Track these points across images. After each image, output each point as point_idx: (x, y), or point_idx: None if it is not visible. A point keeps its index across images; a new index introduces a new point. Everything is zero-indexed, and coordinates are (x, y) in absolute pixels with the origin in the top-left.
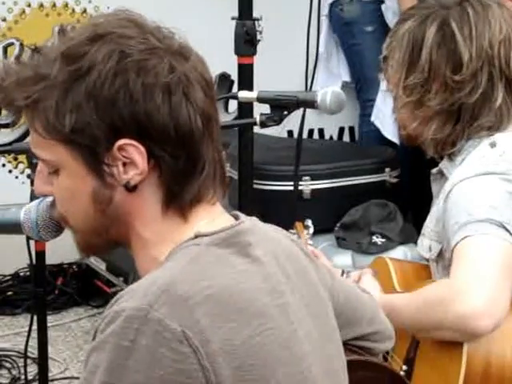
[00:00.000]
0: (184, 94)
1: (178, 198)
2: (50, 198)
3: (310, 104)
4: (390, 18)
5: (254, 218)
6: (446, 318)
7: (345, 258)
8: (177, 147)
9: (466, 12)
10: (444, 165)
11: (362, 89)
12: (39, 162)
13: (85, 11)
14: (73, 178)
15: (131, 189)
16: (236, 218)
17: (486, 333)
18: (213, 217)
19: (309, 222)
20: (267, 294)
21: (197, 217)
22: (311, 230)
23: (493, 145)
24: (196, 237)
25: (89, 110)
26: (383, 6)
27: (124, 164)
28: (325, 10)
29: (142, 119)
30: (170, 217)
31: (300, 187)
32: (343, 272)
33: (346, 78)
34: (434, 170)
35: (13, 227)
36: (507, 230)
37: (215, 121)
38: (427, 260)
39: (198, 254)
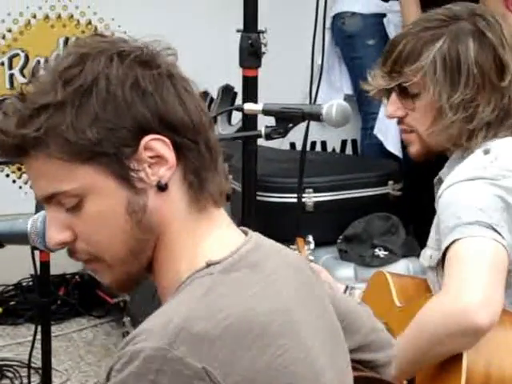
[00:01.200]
0: (182, 84)
1: (207, 185)
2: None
3: (316, 117)
4: (392, 32)
5: (258, 234)
6: (443, 322)
7: (347, 270)
8: (195, 134)
9: (488, 21)
10: (443, 173)
11: (363, 102)
12: (48, 209)
13: (90, 23)
14: (103, 199)
15: (164, 187)
16: (245, 233)
17: (484, 327)
18: (223, 229)
19: (310, 238)
20: (282, 313)
21: (219, 215)
22: (312, 246)
23: (486, 152)
24: (208, 265)
25: (107, 116)
26: (385, 20)
27: (149, 165)
28: (327, 23)
29: (161, 111)
30: (200, 210)
31: (303, 199)
32: (347, 287)
33: (348, 90)
34: (435, 180)
35: (20, 238)
36: (496, 231)
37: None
38: (429, 269)
39: (213, 284)
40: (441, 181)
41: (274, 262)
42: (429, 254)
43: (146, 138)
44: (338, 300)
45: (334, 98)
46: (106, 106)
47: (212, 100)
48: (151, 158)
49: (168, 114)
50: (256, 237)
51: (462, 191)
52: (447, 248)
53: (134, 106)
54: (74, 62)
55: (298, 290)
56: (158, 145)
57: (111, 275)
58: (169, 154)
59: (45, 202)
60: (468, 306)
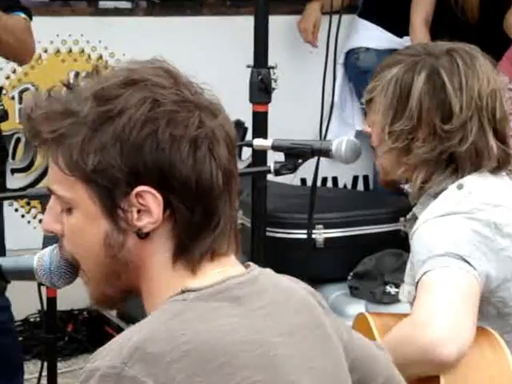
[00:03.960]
0: (209, 149)
1: (188, 252)
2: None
3: (325, 153)
4: None
5: (267, 270)
6: (411, 351)
7: (358, 307)
8: (195, 201)
9: (455, 62)
10: (417, 209)
11: None
12: (52, 197)
13: (101, 57)
14: (86, 219)
15: (143, 236)
16: (247, 268)
17: (451, 360)
18: (224, 267)
19: None
20: (257, 346)
21: (207, 270)
22: None
23: (460, 187)
24: (183, 292)
25: (114, 152)
26: None
27: (139, 211)
28: (340, 59)
29: (165, 169)
30: (178, 268)
31: (313, 235)
32: None
33: (361, 127)
34: (409, 216)
35: (26, 274)
36: (468, 263)
37: (235, 179)
38: (410, 304)
39: (183, 309)
40: (414, 217)
41: (268, 299)
42: (407, 290)
43: (139, 188)
44: (353, 347)
45: (345, 134)
46: (116, 142)
47: (246, 130)
48: (142, 205)
49: (171, 175)
50: (257, 272)
51: (436, 226)
52: (418, 280)
53: (140, 154)
54: (119, 83)
55: (296, 328)
56: (148, 197)
57: (89, 289)
58: (156, 210)
59: (49, 191)
60: (434, 339)
